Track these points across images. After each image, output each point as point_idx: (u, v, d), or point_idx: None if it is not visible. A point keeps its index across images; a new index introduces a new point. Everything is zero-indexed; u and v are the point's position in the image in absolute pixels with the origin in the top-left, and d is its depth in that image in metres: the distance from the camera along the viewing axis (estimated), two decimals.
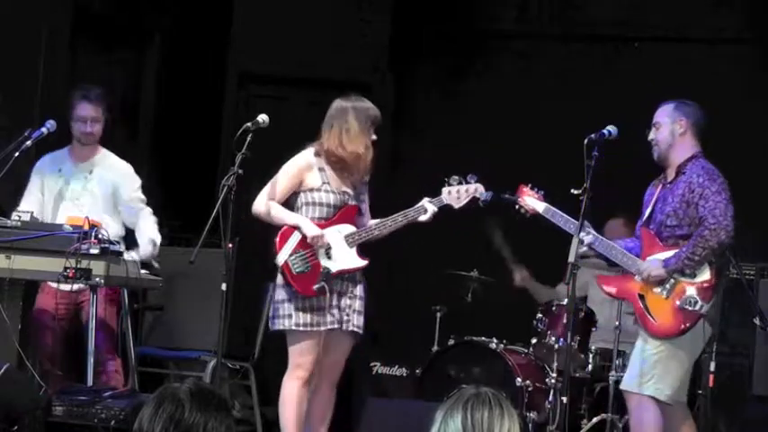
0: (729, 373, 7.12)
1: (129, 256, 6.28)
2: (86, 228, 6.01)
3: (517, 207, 6.21)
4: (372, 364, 8.05)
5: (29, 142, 6.33)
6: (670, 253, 5.83)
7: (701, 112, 6.00)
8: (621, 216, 7.35)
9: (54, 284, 6.45)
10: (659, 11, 8.76)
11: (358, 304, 5.98)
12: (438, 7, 9.26)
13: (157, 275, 6.58)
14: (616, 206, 7.21)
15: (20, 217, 6.16)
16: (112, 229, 6.42)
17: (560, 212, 6.02)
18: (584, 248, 5.92)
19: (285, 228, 5.93)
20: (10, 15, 7.46)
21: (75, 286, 6.13)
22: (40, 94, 7.60)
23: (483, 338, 7.32)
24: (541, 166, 7.50)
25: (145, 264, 6.44)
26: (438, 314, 7.65)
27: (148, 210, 6.83)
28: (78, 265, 5.87)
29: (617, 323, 6.97)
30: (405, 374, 7.95)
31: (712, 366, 6.25)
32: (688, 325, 5.78)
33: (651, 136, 6.00)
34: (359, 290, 5.99)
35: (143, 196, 6.83)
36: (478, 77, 9.18)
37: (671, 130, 5.96)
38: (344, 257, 5.95)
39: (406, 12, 9.20)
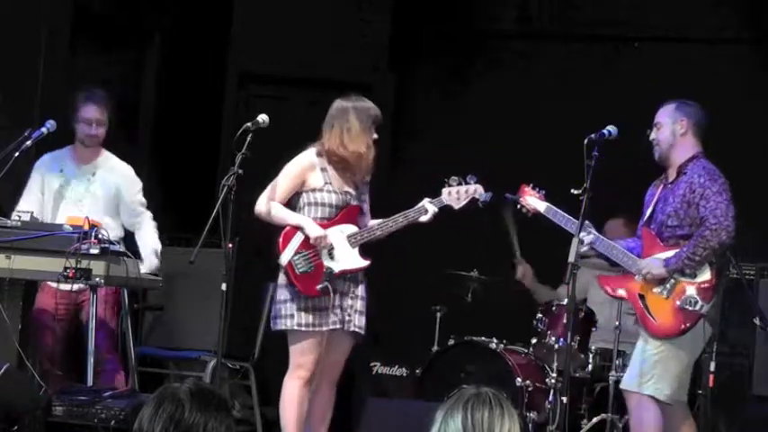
0: (729, 373, 7.12)
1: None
2: (86, 228, 6.01)
3: (519, 207, 6.22)
4: (372, 364, 8.05)
5: (29, 142, 6.33)
6: (671, 253, 5.83)
7: (702, 113, 6.00)
8: (621, 216, 7.35)
9: (54, 284, 6.45)
10: (659, 11, 8.76)
11: (359, 304, 5.98)
12: (438, 7, 9.25)
13: (157, 275, 6.58)
14: (616, 206, 7.20)
15: (20, 217, 6.16)
16: (113, 231, 6.43)
17: (561, 212, 6.02)
18: (586, 248, 5.92)
19: (288, 228, 5.93)
20: (10, 15, 7.46)
21: (76, 286, 6.14)
22: (40, 94, 7.60)
23: (483, 338, 7.32)
24: (541, 166, 7.49)
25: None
26: (438, 314, 7.65)
27: (149, 214, 6.84)
28: (78, 265, 5.87)
29: (617, 323, 6.97)
30: (405, 374, 7.95)
31: (712, 366, 6.25)
32: (688, 325, 5.78)
33: (652, 136, 6.01)
34: (360, 290, 6.00)
35: (144, 199, 6.85)
36: (478, 77, 9.17)
37: (672, 131, 5.96)
38: (347, 258, 5.95)
39: (406, 12, 9.20)
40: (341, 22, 9.07)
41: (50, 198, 6.69)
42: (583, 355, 7.23)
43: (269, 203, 5.96)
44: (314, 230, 5.89)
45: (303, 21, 9.00)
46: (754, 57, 8.57)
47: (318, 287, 5.86)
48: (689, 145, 5.96)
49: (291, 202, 6.02)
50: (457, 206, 6.11)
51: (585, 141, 5.68)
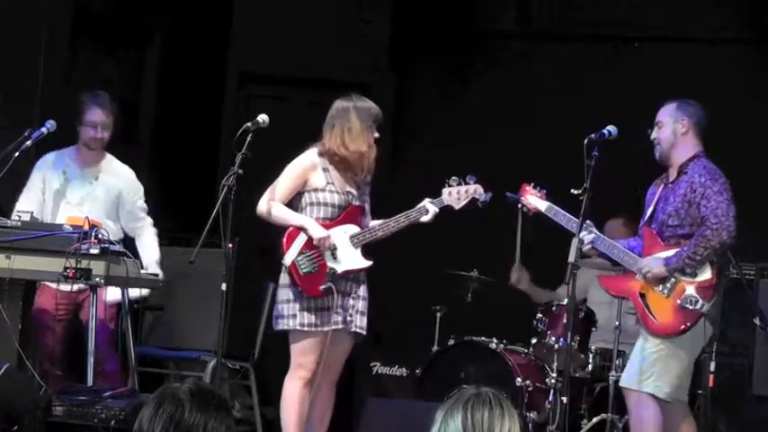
0: (729, 373, 7.13)
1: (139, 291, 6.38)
2: (86, 228, 6.01)
3: (520, 206, 6.22)
4: (372, 364, 8.05)
5: (29, 142, 6.33)
6: (671, 252, 5.83)
7: (703, 112, 6.01)
8: (621, 216, 7.35)
9: (53, 285, 6.45)
10: (659, 11, 8.76)
11: (361, 305, 5.99)
12: (438, 7, 9.25)
13: (157, 275, 6.59)
14: (616, 206, 7.21)
15: (20, 217, 6.16)
16: (113, 234, 6.42)
17: (563, 211, 6.03)
18: (588, 246, 5.92)
19: (292, 229, 5.94)
20: (10, 15, 7.46)
21: (75, 286, 6.14)
22: (40, 94, 7.60)
23: (483, 338, 7.32)
24: (541, 166, 7.49)
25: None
26: (438, 314, 7.65)
27: (149, 221, 6.85)
28: (78, 265, 5.87)
29: (617, 323, 6.97)
30: (405, 374, 7.95)
31: (712, 366, 6.26)
32: (689, 324, 5.78)
33: (653, 135, 6.01)
34: (362, 290, 6.01)
35: (145, 205, 6.86)
36: (478, 77, 9.18)
37: (673, 130, 5.96)
38: (350, 258, 5.96)
39: (406, 12, 9.20)
40: (341, 22, 9.07)
41: (51, 199, 6.69)
42: (583, 355, 7.23)
43: (271, 203, 5.96)
44: (317, 231, 5.89)
45: (303, 21, 9.00)
46: (754, 57, 8.58)
47: (322, 287, 5.86)
48: (690, 144, 5.96)
49: (293, 203, 6.02)
50: (457, 206, 6.12)
51: (585, 141, 5.68)
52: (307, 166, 5.99)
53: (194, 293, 7.09)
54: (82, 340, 6.46)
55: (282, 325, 5.94)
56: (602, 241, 5.99)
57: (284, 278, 5.95)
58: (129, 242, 6.67)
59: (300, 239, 5.92)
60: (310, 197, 5.98)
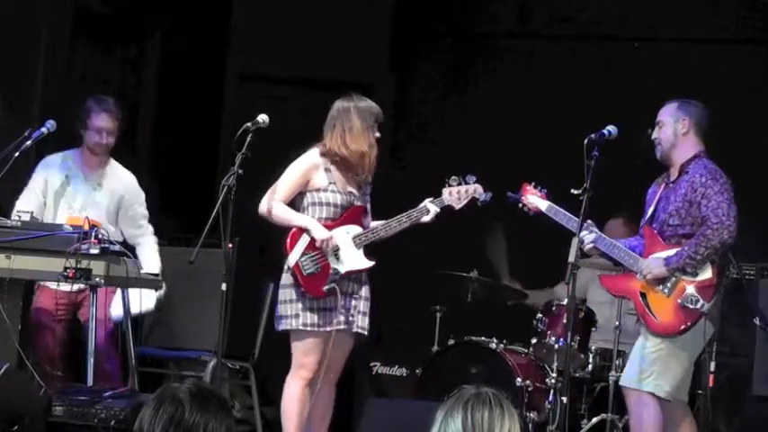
0: (729, 373, 7.12)
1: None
2: (86, 228, 6.00)
3: (520, 206, 6.22)
4: (372, 364, 8.06)
5: (29, 142, 6.32)
6: (672, 252, 5.83)
7: (704, 112, 6.01)
8: (621, 216, 7.35)
9: (53, 285, 6.45)
10: (659, 11, 8.75)
11: (363, 305, 5.99)
12: (438, 7, 9.25)
13: (158, 275, 6.59)
14: (616, 206, 7.21)
15: (20, 217, 6.16)
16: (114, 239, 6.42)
17: (563, 211, 6.03)
18: (590, 246, 5.93)
19: (295, 229, 5.94)
20: (10, 15, 7.46)
21: (75, 287, 6.13)
22: (39, 94, 7.60)
23: (483, 338, 7.32)
24: (541, 166, 7.49)
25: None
26: (438, 314, 7.65)
27: (150, 229, 6.85)
28: (78, 265, 5.87)
29: (617, 323, 6.97)
30: (405, 374, 7.95)
31: (712, 366, 6.26)
32: (689, 323, 5.78)
33: (654, 135, 6.01)
34: (364, 291, 6.01)
35: (146, 212, 6.86)
36: (478, 77, 9.18)
37: (674, 129, 5.96)
38: (353, 258, 5.96)
39: (406, 12, 9.20)
40: (341, 22, 9.07)
41: (52, 202, 6.68)
42: (583, 355, 7.23)
43: (273, 203, 5.96)
44: (320, 233, 5.89)
45: (303, 21, 9.00)
46: (755, 57, 8.57)
47: (325, 288, 5.87)
48: (691, 144, 5.96)
49: (295, 203, 6.02)
50: (457, 206, 6.12)
51: (585, 141, 5.68)
52: (309, 167, 5.99)
53: (194, 293, 7.08)
54: (80, 340, 6.47)
55: (285, 325, 5.93)
56: (603, 241, 5.99)
57: (287, 278, 5.95)
58: (129, 250, 6.67)
59: (304, 240, 5.92)
60: (312, 197, 5.98)
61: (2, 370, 5.61)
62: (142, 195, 6.89)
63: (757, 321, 6.31)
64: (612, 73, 8.73)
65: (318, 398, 6.02)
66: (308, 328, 5.88)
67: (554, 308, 7.24)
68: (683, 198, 5.86)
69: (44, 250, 5.97)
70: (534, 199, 6.19)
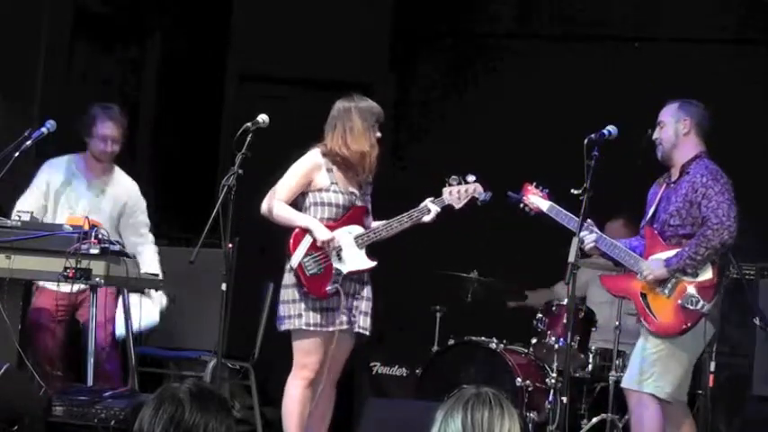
0: (729, 373, 7.12)
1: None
2: (86, 228, 6.00)
3: (522, 206, 6.22)
4: (372, 364, 8.06)
5: (29, 142, 6.32)
6: (672, 252, 5.83)
7: (705, 112, 6.00)
8: (621, 217, 7.36)
9: (53, 287, 6.45)
10: (659, 11, 8.76)
11: (364, 305, 6.00)
12: (438, 7, 9.25)
13: (157, 275, 6.58)
14: (616, 206, 7.21)
15: (20, 217, 6.15)
16: None
17: (564, 211, 6.03)
18: (591, 245, 5.93)
19: (298, 230, 5.94)
20: (10, 15, 7.46)
21: (75, 288, 6.13)
22: (39, 94, 7.60)
23: (483, 338, 7.33)
24: (542, 166, 7.49)
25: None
26: (438, 314, 7.65)
27: (151, 238, 6.84)
28: (78, 265, 5.87)
29: (617, 323, 6.97)
30: (405, 374, 7.95)
31: (712, 366, 6.25)
32: (689, 324, 5.78)
33: (655, 135, 6.01)
34: (366, 291, 6.02)
35: (148, 220, 6.85)
36: (478, 77, 9.18)
37: (675, 130, 5.96)
38: (355, 259, 5.96)
39: (406, 12, 9.20)
40: (341, 22, 9.07)
41: (54, 206, 6.67)
42: (583, 355, 7.24)
43: (275, 203, 5.96)
44: (322, 234, 5.89)
45: (303, 21, 9.00)
46: (755, 57, 8.57)
47: (328, 289, 5.87)
48: (692, 144, 5.96)
49: (297, 203, 6.02)
50: (458, 205, 6.12)
51: (585, 141, 5.67)
52: (311, 167, 5.98)
53: (194, 293, 7.08)
54: (80, 341, 6.46)
55: (288, 325, 5.93)
56: (603, 241, 5.99)
57: (289, 278, 5.94)
58: None
59: (306, 241, 5.92)
60: (314, 197, 5.98)
61: (2, 370, 5.61)
62: (144, 203, 6.89)
63: (757, 321, 6.31)
64: (612, 73, 8.73)
65: (319, 397, 6.01)
66: (311, 328, 5.88)
67: (554, 308, 7.24)
68: (683, 198, 5.86)
69: (44, 250, 5.96)
70: (536, 199, 6.19)
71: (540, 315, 7.28)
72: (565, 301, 6.76)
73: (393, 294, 8.13)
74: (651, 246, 5.95)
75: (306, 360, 5.91)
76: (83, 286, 6.28)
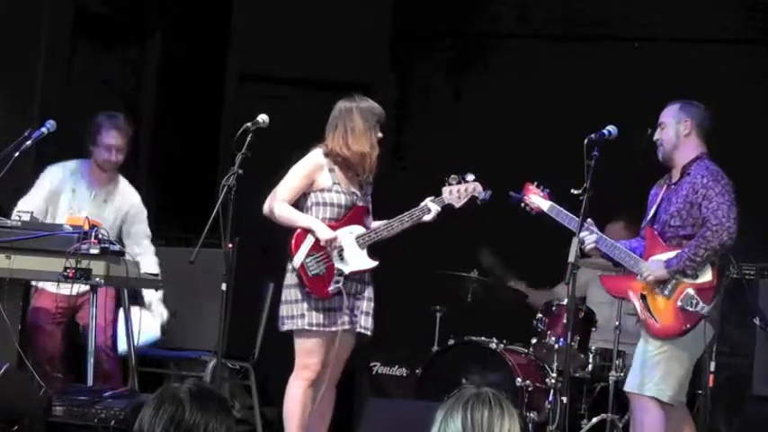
0: (729, 373, 7.12)
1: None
2: (86, 228, 6.00)
3: (523, 205, 6.22)
4: (372, 364, 8.06)
5: (29, 142, 6.31)
6: (672, 253, 5.83)
7: (706, 113, 6.00)
8: (621, 219, 7.35)
9: (52, 289, 6.45)
10: (659, 11, 8.75)
11: (365, 305, 6.00)
12: (438, 7, 9.25)
13: (157, 276, 6.58)
14: (616, 206, 7.21)
15: (20, 217, 6.15)
16: None
17: (565, 211, 6.03)
18: (592, 246, 5.92)
19: (299, 230, 5.94)
20: (10, 15, 7.46)
21: (75, 291, 6.13)
22: (39, 94, 7.59)
23: (483, 338, 7.32)
24: (542, 165, 7.49)
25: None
26: (438, 314, 7.65)
27: (152, 249, 6.83)
28: (78, 265, 5.86)
29: (617, 323, 6.97)
30: (405, 374, 7.95)
31: (712, 366, 6.25)
32: (689, 326, 5.77)
33: (656, 136, 6.00)
34: (367, 291, 6.02)
35: (148, 230, 6.85)
36: (479, 77, 9.18)
37: (676, 131, 5.96)
38: (357, 259, 5.97)
39: (406, 12, 9.20)
40: (341, 22, 9.07)
41: (54, 212, 6.66)
42: (583, 355, 7.23)
43: (277, 204, 5.96)
44: (324, 233, 5.89)
45: (303, 21, 9.00)
46: (755, 57, 8.57)
47: (330, 289, 5.87)
48: (693, 145, 5.95)
49: (298, 203, 6.02)
50: (457, 205, 6.13)
51: (585, 141, 5.67)
52: (313, 167, 5.99)
53: (194, 293, 7.08)
54: (79, 343, 6.46)
55: (291, 325, 5.93)
56: (604, 241, 5.98)
57: (291, 279, 5.94)
58: None
59: (308, 241, 5.92)
60: (316, 197, 5.98)
61: (2, 370, 5.61)
62: (145, 213, 6.89)
63: (757, 321, 6.31)
64: (612, 73, 8.73)
65: (320, 397, 6.01)
66: (314, 328, 5.88)
67: (554, 308, 7.24)
68: (684, 199, 5.85)
69: (44, 250, 5.96)
70: (537, 199, 6.19)
71: (540, 315, 7.28)
72: (565, 301, 6.76)
73: (393, 294, 8.12)
74: (651, 247, 5.94)
75: (308, 360, 5.91)
76: (82, 289, 6.28)
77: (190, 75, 8.90)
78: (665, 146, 5.97)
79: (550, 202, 6.13)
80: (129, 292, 6.54)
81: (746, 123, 8.13)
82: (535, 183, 6.21)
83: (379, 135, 6.02)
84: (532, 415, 7.04)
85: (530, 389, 7.04)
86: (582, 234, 5.74)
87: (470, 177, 6.14)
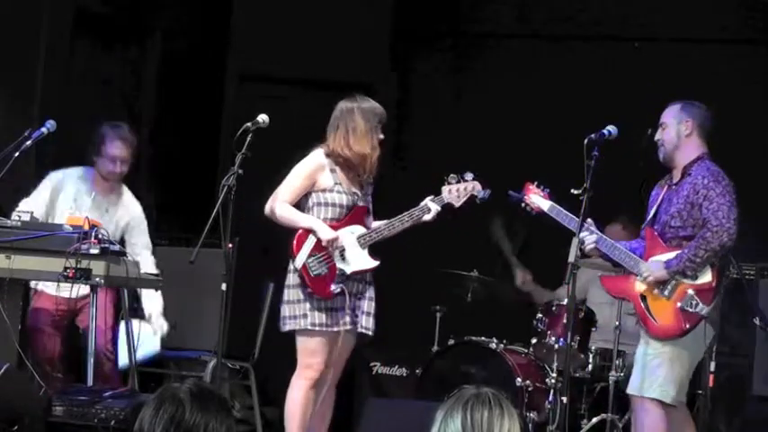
0: (729, 373, 7.12)
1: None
2: (86, 228, 6.00)
3: (523, 205, 6.22)
4: (372, 364, 8.06)
5: (29, 142, 6.31)
6: (672, 254, 5.83)
7: (707, 114, 5.99)
8: (619, 221, 7.36)
9: (52, 292, 6.45)
10: (659, 11, 8.75)
11: (366, 305, 6.00)
12: (438, 7, 9.25)
13: (158, 276, 6.58)
14: (616, 206, 7.21)
15: (20, 217, 6.15)
16: None
17: (565, 211, 6.02)
18: (591, 246, 5.92)
19: (301, 231, 5.94)
20: (10, 15, 7.46)
21: (74, 294, 6.12)
22: (39, 94, 7.59)
23: (483, 338, 7.33)
24: (542, 165, 7.49)
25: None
26: (438, 314, 7.65)
27: (152, 260, 6.82)
28: (78, 265, 5.86)
29: (617, 323, 6.97)
30: (405, 374, 7.95)
31: (712, 366, 6.26)
32: (688, 326, 5.77)
33: (657, 136, 6.00)
34: (369, 291, 6.02)
35: (148, 242, 6.84)
36: (479, 77, 9.18)
37: (677, 131, 5.95)
38: (358, 258, 5.97)
39: (406, 12, 9.20)
40: (341, 22, 9.07)
41: (55, 218, 6.66)
42: (583, 355, 7.23)
43: (279, 204, 5.96)
44: (326, 233, 5.89)
45: (303, 21, 9.00)
46: (755, 57, 8.57)
47: (332, 289, 5.87)
48: (694, 146, 5.95)
49: (299, 203, 6.02)
50: (457, 204, 6.13)
51: (585, 141, 5.67)
52: (315, 167, 5.99)
53: (194, 293, 7.08)
54: (79, 345, 6.46)
55: (293, 325, 5.92)
56: (604, 242, 5.98)
57: (293, 279, 5.94)
58: None
59: (310, 242, 5.92)
60: (318, 197, 5.98)
61: (2, 370, 5.61)
62: (145, 224, 6.89)
63: (757, 321, 6.31)
64: (612, 73, 8.72)
65: (320, 397, 6.01)
66: (317, 328, 5.88)
67: (554, 308, 7.24)
68: (685, 200, 5.85)
69: (44, 250, 5.95)
70: (537, 198, 6.19)
71: (540, 315, 7.28)
72: (565, 301, 6.76)
73: (393, 294, 8.12)
74: (651, 247, 5.94)
75: (311, 360, 5.91)
76: (82, 293, 6.27)
77: (190, 75, 8.90)
78: (666, 146, 5.97)
79: (551, 202, 6.13)
80: (129, 292, 6.54)
81: (746, 123, 8.13)
82: (535, 182, 6.21)
83: (381, 136, 6.02)
84: (532, 415, 7.04)
85: (530, 389, 7.04)
86: (582, 234, 5.73)
87: (469, 176, 6.14)
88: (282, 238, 6.02)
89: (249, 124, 5.77)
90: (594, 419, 7.13)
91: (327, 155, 5.99)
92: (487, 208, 6.26)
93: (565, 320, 6.88)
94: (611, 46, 8.94)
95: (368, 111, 6.00)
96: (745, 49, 8.64)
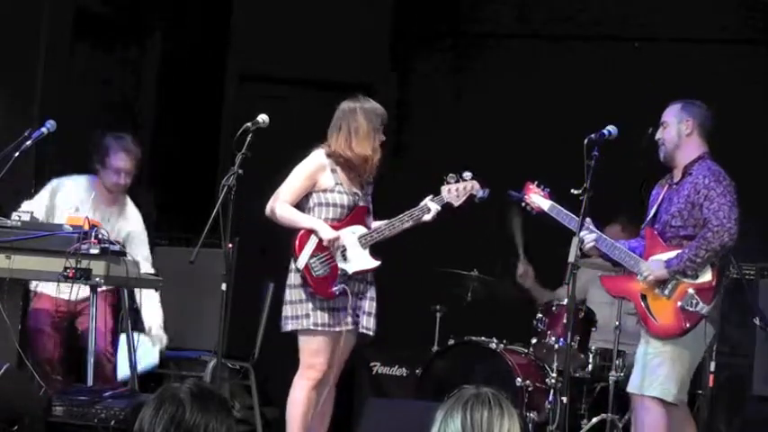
0: (729, 373, 7.12)
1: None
2: (86, 228, 6.00)
3: (523, 204, 6.23)
4: (372, 364, 8.06)
5: (29, 142, 6.30)
6: (672, 254, 5.83)
7: (708, 113, 5.99)
8: (619, 221, 7.35)
9: (52, 293, 6.44)
10: (659, 11, 8.75)
11: (367, 305, 6.01)
12: (438, 7, 9.25)
13: (157, 275, 6.58)
14: (616, 206, 7.21)
15: (20, 217, 6.15)
16: None
17: (565, 210, 6.03)
18: (591, 245, 5.92)
19: (303, 232, 5.94)
20: (10, 15, 7.46)
21: (74, 296, 6.12)
22: (39, 94, 7.59)
23: (483, 338, 7.33)
24: (542, 165, 7.49)
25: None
26: (438, 314, 7.65)
27: (151, 272, 6.81)
28: (78, 265, 5.86)
29: (617, 323, 6.97)
30: (405, 374, 7.96)
31: (712, 366, 6.26)
32: (689, 325, 5.77)
33: (658, 135, 6.00)
34: (370, 291, 6.02)
35: (148, 253, 6.84)
36: (479, 77, 9.18)
37: (677, 131, 5.95)
38: (359, 258, 5.97)
39: (406, 12, 9.20)
40: (341, 22, 9.07)
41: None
42: (583, 355, 7.23)
43: (280, 205, 5.96)
44: (327, 233, 5.89)
45: (303, 21, 9.00)
46: (755, 57, 8.57)
47: (334, 289, 5.87)
48: (694, 145, 5.95)
49: (300, 203, 6.02)
50: (456, 203, 6.13)
51: (585, 141, 5.67)
52: (316, 168, 5.99)
53: (194, 293, 7.08)
54: (78, 347, 6.45)
55: (295, 325, 5.92)
56: (603, 241, 5.98)
57: (295, 279, 5.94)
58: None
59: (312, 242, 5.92)
60: (318, 198, 5.99)
61: (2, 370, 5.61)
62: (145, 235, 6.89)
63: (757, 321, 6.31)
64: (612, 73, 8.73)
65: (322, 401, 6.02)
66: (319, 328, 5.88)
67: (554, 308, 7.24)
68: (685, 200, 5.85)
69: (44, 250, 5.95)
70: (537, 198, 6.19)
71: (540, 315, 7.28)
72: (565, 301, 6.76)
73: (393, 294, 8.12)
74: (651, 246, 5.94)
75: (313, 360, 5.91)
76: (81, 295, 6.27)
77: (190, 75, 8.90)
78: (666, 145, 5.97)
79: (551, 202, 6.13)
80: (128, 292, 6.54)
81: (746, 123, 8.13)
82: (536, 182, 6.21)
83: (382, 138, 6.02)
84: (532, 415, 7.04)
85: (530, 389, 7.04)
86: (582, 234, 5.73)
87: (468, 175, 6.14)
88: (282, 239, 6.02)
89: (249, 124, 5.77)
90: (594, 419, 7.13)
91: (328, 155, 5.99)
92: (486, 207, 6.26)
93: (565, 320, 6.88)
94: (611, 46, 8.94)
95: (370, 111, 6.00)
96: (745, 49, 8.64)
